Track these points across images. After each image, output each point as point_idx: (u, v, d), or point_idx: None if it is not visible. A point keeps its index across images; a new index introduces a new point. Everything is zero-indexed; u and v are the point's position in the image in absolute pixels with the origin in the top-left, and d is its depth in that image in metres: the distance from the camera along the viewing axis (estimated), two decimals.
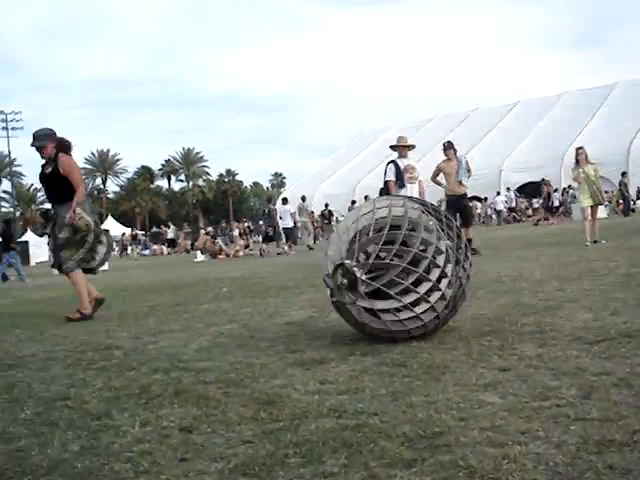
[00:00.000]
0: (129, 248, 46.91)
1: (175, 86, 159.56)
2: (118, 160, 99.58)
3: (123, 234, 50.91)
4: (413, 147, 11.73)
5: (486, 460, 2.03)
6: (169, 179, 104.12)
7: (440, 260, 4.08)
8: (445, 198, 13.57)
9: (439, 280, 4.05)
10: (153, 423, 2.75)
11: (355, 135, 63.17)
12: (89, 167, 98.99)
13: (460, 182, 12.50)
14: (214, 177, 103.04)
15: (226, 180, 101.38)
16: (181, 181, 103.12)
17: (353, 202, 25.71)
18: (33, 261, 41.65)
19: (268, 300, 7.16)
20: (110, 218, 68.15)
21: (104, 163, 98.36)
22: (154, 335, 5.30)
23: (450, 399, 2.72)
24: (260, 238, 29.31)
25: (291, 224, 23.29)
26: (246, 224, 41.33)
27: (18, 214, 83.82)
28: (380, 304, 4.00)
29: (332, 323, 5.05)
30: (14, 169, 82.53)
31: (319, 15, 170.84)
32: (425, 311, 4.01)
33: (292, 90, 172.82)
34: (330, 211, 32.87)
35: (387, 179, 11.24)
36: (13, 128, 65.27)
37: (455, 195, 12.68)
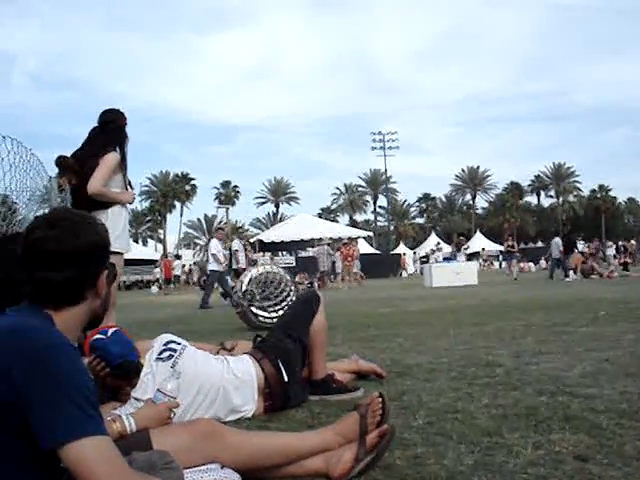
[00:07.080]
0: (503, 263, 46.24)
1: (544, 101, 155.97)
2: (488, 176, 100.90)
3: (482, 249, 51.88)
4: None
5: None
6: (538, 195, 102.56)
7: (284, 293, 8.94)
8: None
9: (283, 300, 8.87)
10: (545, 447, 2.72)
11: None
12: (459, 183, 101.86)
13: None
14: (585, 192, 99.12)
15: (598, 196, 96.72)
16: (550, 197, 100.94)
17: None
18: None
19: None
20: (478, 233, 69.36)
21: (474, 179, 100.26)
22: (534, 355, 5.25)
23: None
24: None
25: None
26: (621, 243, 38.98)
27: (392, 228, 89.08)
28: (261, 311, 8.86)
29: None
30: (389, 185, 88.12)
31: None
32: (276, 313, 8.63)
33: None
34: None
35: None
36: (389, 147, 69.86)
37: None
